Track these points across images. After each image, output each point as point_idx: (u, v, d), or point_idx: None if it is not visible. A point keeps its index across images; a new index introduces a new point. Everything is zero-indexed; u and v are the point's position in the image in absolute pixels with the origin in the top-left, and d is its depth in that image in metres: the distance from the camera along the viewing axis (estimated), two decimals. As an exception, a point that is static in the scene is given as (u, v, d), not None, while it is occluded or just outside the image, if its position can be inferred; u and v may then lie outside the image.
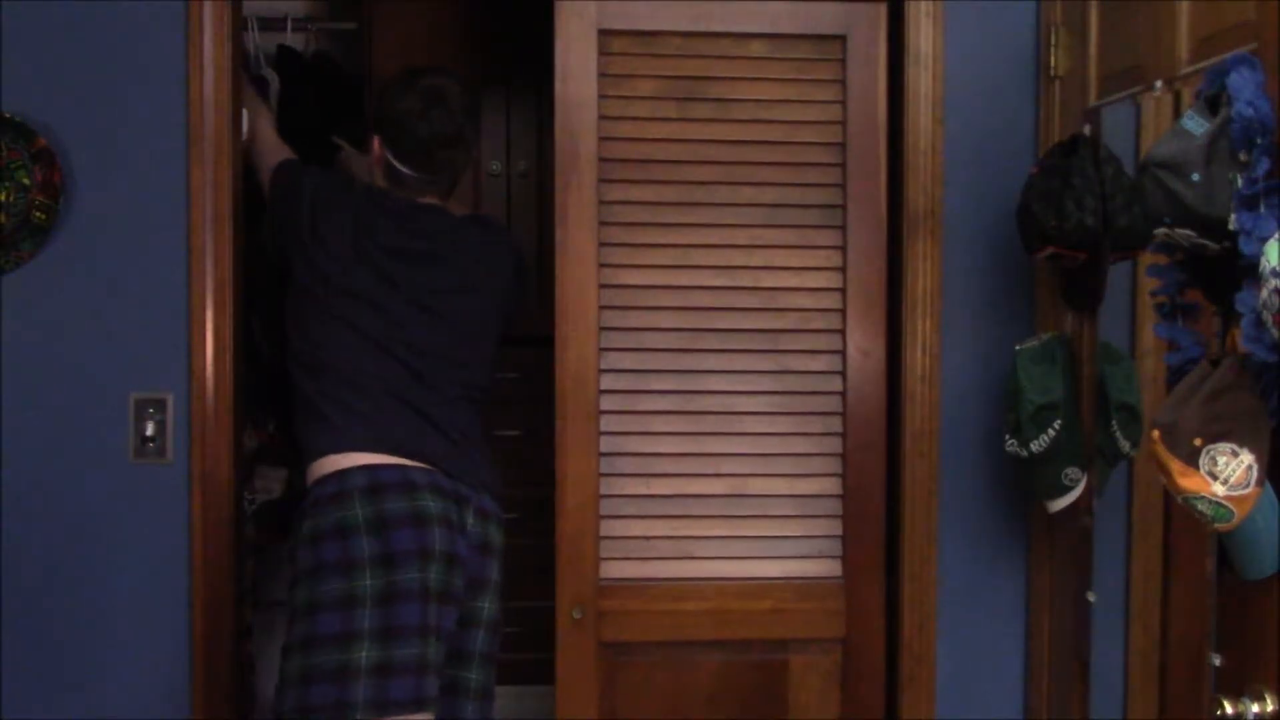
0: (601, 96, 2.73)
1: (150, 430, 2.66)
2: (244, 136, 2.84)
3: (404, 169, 2.66)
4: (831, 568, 2.79)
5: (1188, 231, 1.77)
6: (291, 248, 2.65)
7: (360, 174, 2.92)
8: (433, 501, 2.47)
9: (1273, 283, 1.58)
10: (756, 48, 2.77)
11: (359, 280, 2.58)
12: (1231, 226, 1.71)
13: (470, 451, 2.62)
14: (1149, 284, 2.09)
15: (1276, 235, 1.62)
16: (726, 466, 2.76)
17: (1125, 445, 2.38)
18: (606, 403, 2.73)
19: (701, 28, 2.75)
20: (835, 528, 2.78)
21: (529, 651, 3.58)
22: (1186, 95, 2.07)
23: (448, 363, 2.62)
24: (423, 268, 2.64)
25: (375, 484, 2.45)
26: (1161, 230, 1.82)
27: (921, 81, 2.77)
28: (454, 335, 2.64)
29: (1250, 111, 1.69)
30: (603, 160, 2.73)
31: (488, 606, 2.57)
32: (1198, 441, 1.70)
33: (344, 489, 2.45)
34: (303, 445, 2.60)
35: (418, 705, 2.39)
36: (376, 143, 2.69)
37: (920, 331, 2.78)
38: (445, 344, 2.63)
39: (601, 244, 2.72)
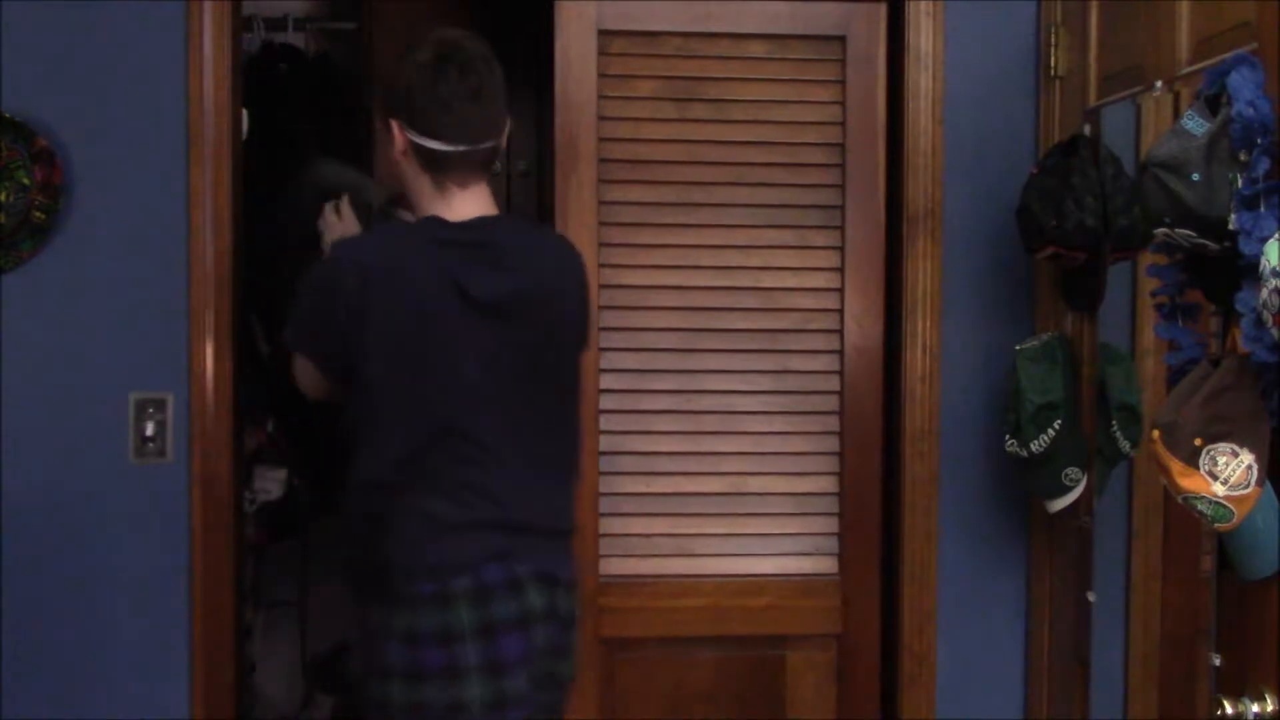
0: (601, 96, 2.73)
1: (150, 430, 2.66)
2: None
3: (436, 144, 2.20)
4: (828, 565, 2.80)
5: (1188, 231, 1.77)
6: (348, 362, 2.24)
7: (348, 230, 2.55)
8: (536, 595, 2.20)
9: (1273, 283, 1.58)
10: (756, 48, 2.77)
11: (437, 366, 2.20)
12: (1231, 226, 1.71)
13: (563, 530, 2.34)
14: (1149, 284, 2.09)
15: (1276, 235, 1.62)
16: (725, 465, 2.76)
17: (1125, 445, 2.38)
18: (606, 402, 2.73)
19: (701, 28, 2.75)
20: (832, 525, 2.79)
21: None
22: (1186, 95, 2.07)
23: (538, 433, 2.27)
24: (504, 316, 2.22)
25: (480, 587, 2.17)
26: (1161, 230, 1.82)
27: (921, 81, 2.77)
28: (544, 396, 2.28)
29: (1250, 111, 1.69)
30: (602, 160, 2.73)
31: (568, 668, 2.34)
32: (1198, 441, 1.70)
33: (447, 590, 2.17)
34: (383, 527, 2.26)
35: None
36: (396, 129, 2.23)
37: (920, 331, 2.78)
38: (539, 409, 2.27)
39: (601, 244, 2.72)
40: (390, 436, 2.19)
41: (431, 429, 2.18)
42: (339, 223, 2.55)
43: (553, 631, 2.22)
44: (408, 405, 2.19)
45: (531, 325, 2.23)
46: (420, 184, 2.25)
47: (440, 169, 2.22)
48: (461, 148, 2.20)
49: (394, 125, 2.23)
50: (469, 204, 2.24)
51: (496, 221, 2.28)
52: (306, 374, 2.35)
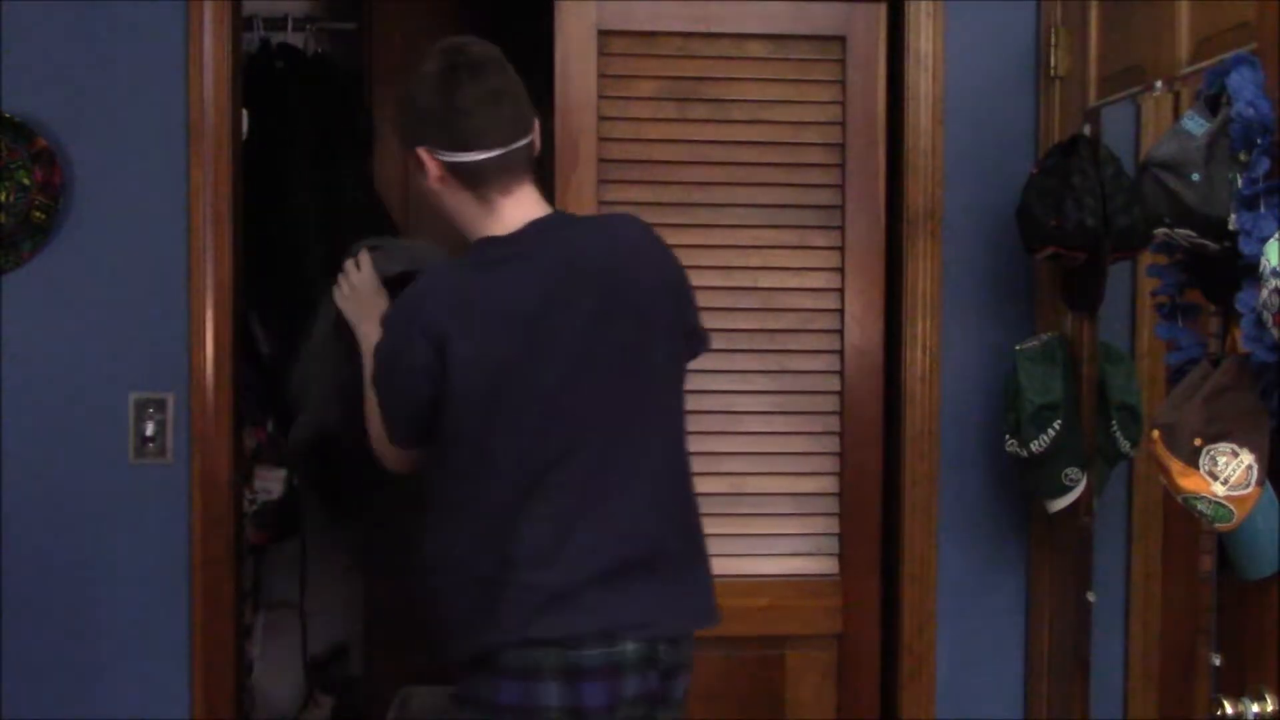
0: (601, 97, 2.73)
1: (150, 430, 2.66)
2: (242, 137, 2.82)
3: (469, 156, 2.06)
4: (829, 565, 2.80)
5: (1188, 231, 1.77)
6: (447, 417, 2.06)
7: (364, 284, 2.41)
8: (631, 644, 2.02)
9: (1273, 283, 1.58)
10: (756, 48, 2.77)
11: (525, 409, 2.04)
12: (1231, 226, 1.71)
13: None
14: (1149, 284, 2.09)
15: (1276, 235, 1.62)
16: (726, 465, 2.76)
17: (1125, 445, 2.38)
18: (606, 403, 2.73)
19: (701, 28, 2.75)
20: (833, 525, 2.79)
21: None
22: (1186, 95, 2.07)
23: (642, 454, 2.09)
24: (598, 330, 2.05)
25: (576, 708, 1.99)
26: (1161, 230, 1.82)
27: (921, 81, 2.77)
28: (650, 409, 2.11)
29: (1250, 112, 1.69)
30: (602, 160, 2.73)
31: (667, 717, 2.14)
32: (1198, 441, 1.70)
33: (534, 704, 1.99)
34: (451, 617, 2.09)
35: None
36: (425, 156, 2.08)
37: (920, 331, 2.78)
38: (641, 417, 2.09)
39: (601, 244, 2.72)
40: (487, 491, 2.03)
41: (531, 476, 2.02)
42: (356, 273, 2.42)
43: (649, 681, 2.04)
44: (506, 455, 2.03)
45: (621, 315, 2.07)
46: (465, 207, 2.11)
47: (480, 182, 2.08)
48: (495, 153, 2.06)
49: (421, 154, 2.08)
50: (519, 210, 2.10)
51: (553, 220, 2.14)
52: (394, 452, 2.22)
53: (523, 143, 2.10)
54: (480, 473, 2.03)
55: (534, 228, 2.10)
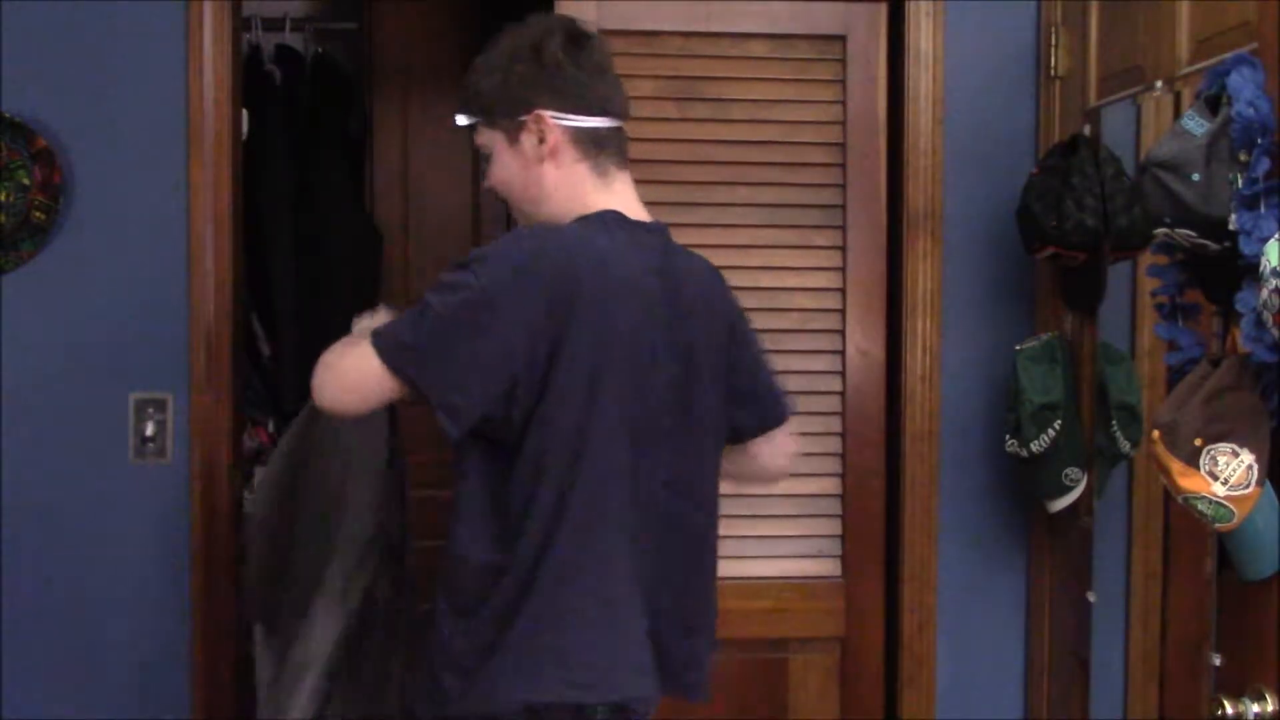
0: (601, 96, 2.72)
1: (150, 430, 2.66)
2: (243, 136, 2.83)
3: (599, 122, 1.87)
4: (831, 567, 2.79)
5: (1188, 231, 1.77)
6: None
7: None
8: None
9: (1273, 283, 1.58)
10: (756, 48, 2.76)
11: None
12: (1231, 226, 1.70)
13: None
14: (1149, 284, 2.08)
15: (1276, 235, 1.62)
16: (726, 466, 2.76)
17: (1125, 445, 2.38)
18: (606, 403, 2.73)
19: (701, 28, 2.75)
20: (835, 527, 2.79)
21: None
22: (1186, 95, 2.07)
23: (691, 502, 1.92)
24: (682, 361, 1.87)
25: None
26: (1161, 230, 1.82)
27: (921, 81, 2.77)
28: (702, 450, 1.94)
29: (1250, 112, 1.69)
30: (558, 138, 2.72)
31: None
32: (1198, 441, 1.70)
33: None
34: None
35: None
36: (547, 119, 1.85)
37: (920, 331, 2.78)
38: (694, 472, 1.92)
39: (601, 244, 2.72)
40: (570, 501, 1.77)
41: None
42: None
43: None
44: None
45: (700, 356, 1.90)
46: (577, 181, 1.88)
47: (600, 151, 1.88)
48: (618, 123, 1.91)
49: (545, 118, 1.84)
50: (629, 191, 1.93)
51: (661, 228, 1.95)
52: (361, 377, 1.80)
53: (625, 122, 1.94)
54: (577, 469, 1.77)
55: (658, 226, 1.93)
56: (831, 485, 2.78)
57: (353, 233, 3.83)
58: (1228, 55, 1.77)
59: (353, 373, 1.80)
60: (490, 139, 1.89)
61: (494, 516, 1.79)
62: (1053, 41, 2.72)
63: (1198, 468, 1.70)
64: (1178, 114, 2.00)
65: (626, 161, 1.93)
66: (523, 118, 1.85)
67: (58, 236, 2.65)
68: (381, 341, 1.76)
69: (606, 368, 1.78)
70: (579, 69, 1.85)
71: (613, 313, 1.79)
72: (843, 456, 2.78)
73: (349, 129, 3.88)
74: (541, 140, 1.85)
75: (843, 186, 2.77)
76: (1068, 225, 2.40)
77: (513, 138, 1.87)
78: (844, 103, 2.77)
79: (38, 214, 2.62)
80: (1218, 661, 1.85)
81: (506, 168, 1.89)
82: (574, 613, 1.77)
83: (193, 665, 2.67)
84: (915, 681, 2.80)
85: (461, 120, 1.90)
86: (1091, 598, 2.50)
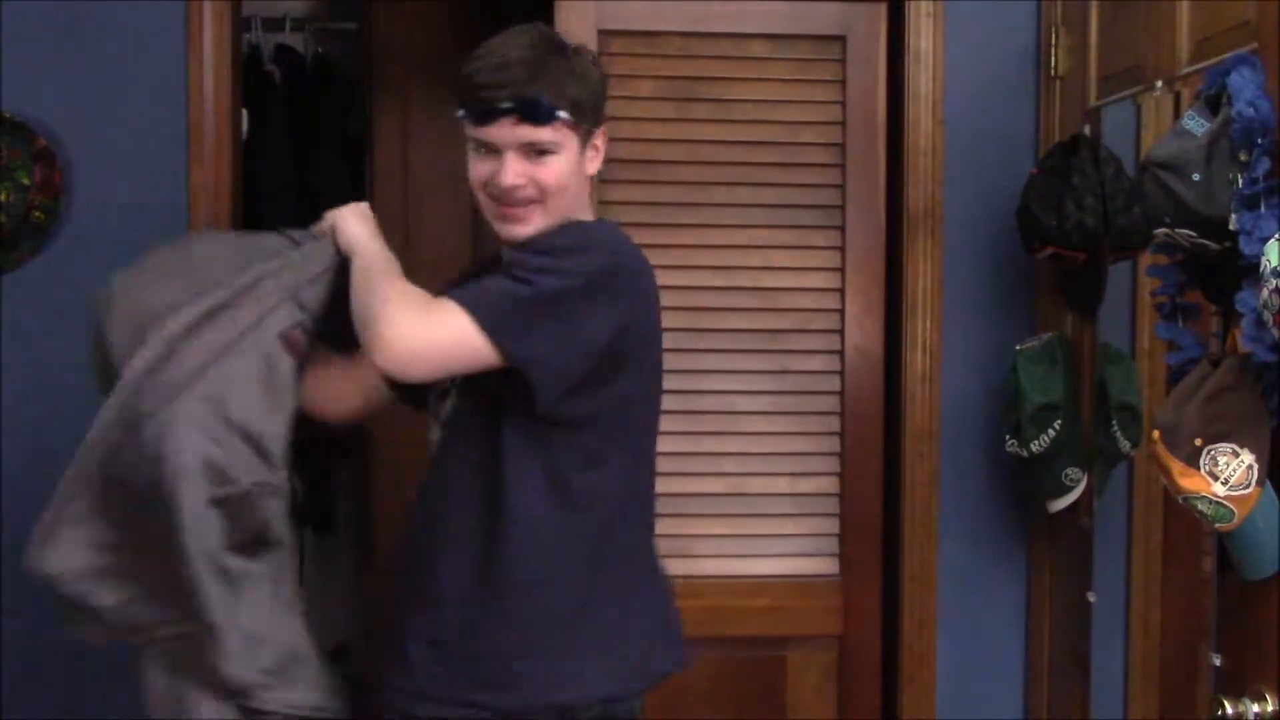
0: (602, 96, 2.73)
1: (150, 430, 2.66)
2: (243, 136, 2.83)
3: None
4: (829, 566, 2.80)
5: (1188, 231, 1.77)
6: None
7: None
8: None
9: (1273, 283, 1.58)
10: (756, 48, 2.77)
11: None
12: (1232, 226, 1.71)
13: None
14: (1149, 284, 2.09)
15: (1277, 235, 1.62)
16: (726, 466, 2.76)
17: (1125, 445, 2.38)
18: (606, 403, 2.73)
19: (701, 28, 2.75)
20: (833, 526, 2.79)
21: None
22: (1186, 95, 2.07)
23: None
24: None
25: None
26: (1161, 230, 1.82)
27: (921, 81, 2.77)
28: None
29: (1251, 111, 1.69)
30: (603, 160, 2.72)
31: None
32: (1198, 442, 1.70)
33: None
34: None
35: None
36: (604, 136, 2.02)
37: (920, 331, 2.78)
38: None
39: (601, 244, 2.72)
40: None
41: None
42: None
43: None
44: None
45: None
46: (586, 192, 2.05)
47: None
48: None
49: (605, 134, 2.01)
50: None
51: None
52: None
53: None
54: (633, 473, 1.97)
55: None
56: (830, 484, 2.78)
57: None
58: (1228, 55, 1.78)
59: (445, 338, 1.79)
60: (564, 139, 1.91)
61: (555, 492, 1.84)
62: (1053, 41, 2.72)
63: (1198, 468, 1.70)
64: (1178, 114, 2.00)
65: None
66: (596, 129, 1.96)
67: (58, 236, 2.65)
68: (483, 312, 1.77)
69: (659, 361, 1.98)
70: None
71: (658, 310, 1.96)
72: (841, 456, 2.78)
73: (349, 129, 3.88)
74: (596, 153, 1.98)
75: (842, 186, 2.78)
76: (1068, 225, 2.40)
77: (583, 144, 1.95)
78: (844, 103, 2.77)
79: (38, 214, 2.62)
80: (1218, 661, 1.85)
81: (570, 172, 1.93)
82: (637, 595, 1.97)
83: (193, 665, 2.67)
84: (915, 681, 2.80)
85: (563, 115, 1.90)
86: (1091, 598, 2.50)
